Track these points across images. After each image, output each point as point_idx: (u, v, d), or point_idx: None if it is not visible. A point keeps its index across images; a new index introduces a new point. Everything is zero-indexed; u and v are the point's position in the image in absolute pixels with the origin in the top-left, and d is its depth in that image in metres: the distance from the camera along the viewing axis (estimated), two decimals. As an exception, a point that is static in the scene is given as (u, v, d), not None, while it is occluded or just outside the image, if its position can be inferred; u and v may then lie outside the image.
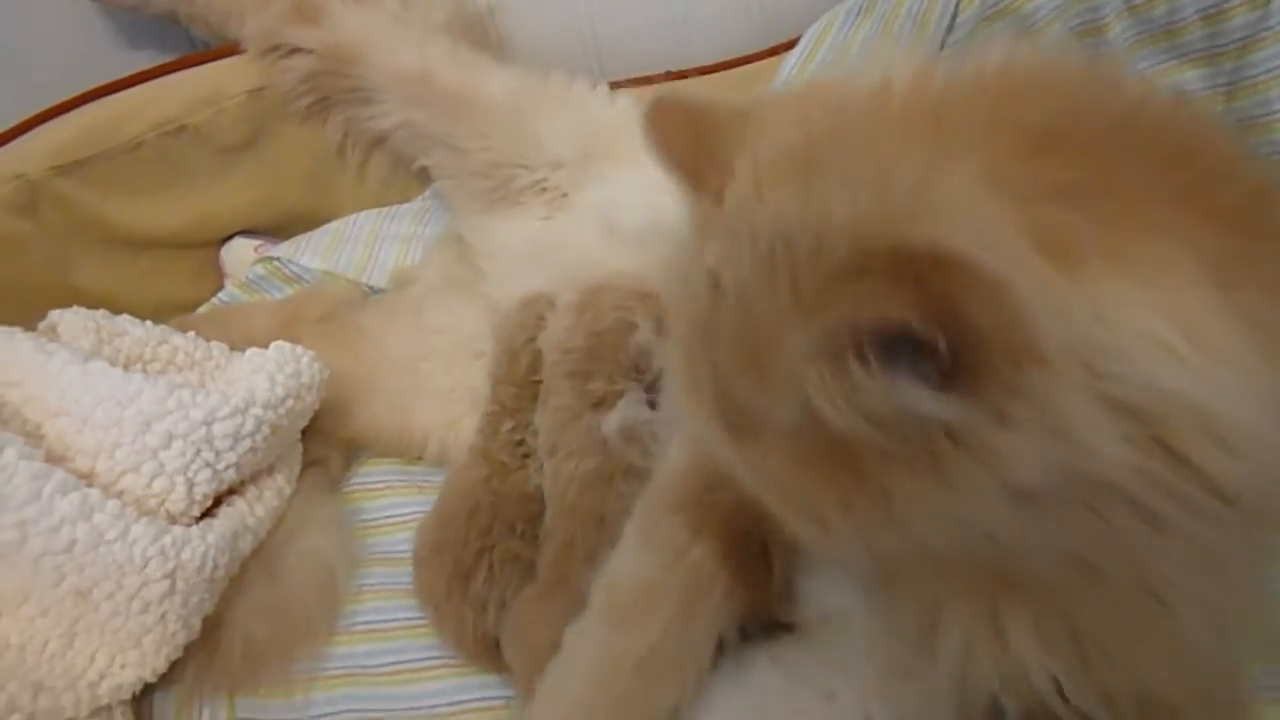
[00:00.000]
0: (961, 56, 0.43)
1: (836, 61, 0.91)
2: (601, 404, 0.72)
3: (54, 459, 0.62)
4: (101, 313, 0.74)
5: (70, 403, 0.63)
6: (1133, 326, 0.32)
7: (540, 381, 0.77)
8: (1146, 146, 0.37)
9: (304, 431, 0.78)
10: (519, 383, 0.78)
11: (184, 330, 0.78)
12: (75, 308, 0.74)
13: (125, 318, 0.75)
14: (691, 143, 0.45)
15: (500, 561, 0.69)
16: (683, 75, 0.98)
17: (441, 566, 0.70)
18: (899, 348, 0.31)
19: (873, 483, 0.36)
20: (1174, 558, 0.37)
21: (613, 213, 0.80)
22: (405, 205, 1.03)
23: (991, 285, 0.30)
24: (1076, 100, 0.39)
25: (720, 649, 0.55)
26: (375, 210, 1.02)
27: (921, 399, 0.32)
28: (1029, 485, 0.33)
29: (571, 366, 0.74)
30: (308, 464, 0.79)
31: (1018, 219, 0.33)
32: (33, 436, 0.63)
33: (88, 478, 0.63)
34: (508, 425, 0.76)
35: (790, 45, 0.95)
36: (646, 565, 0.55)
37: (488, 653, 0.69)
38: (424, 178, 1.01)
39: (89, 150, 0.86)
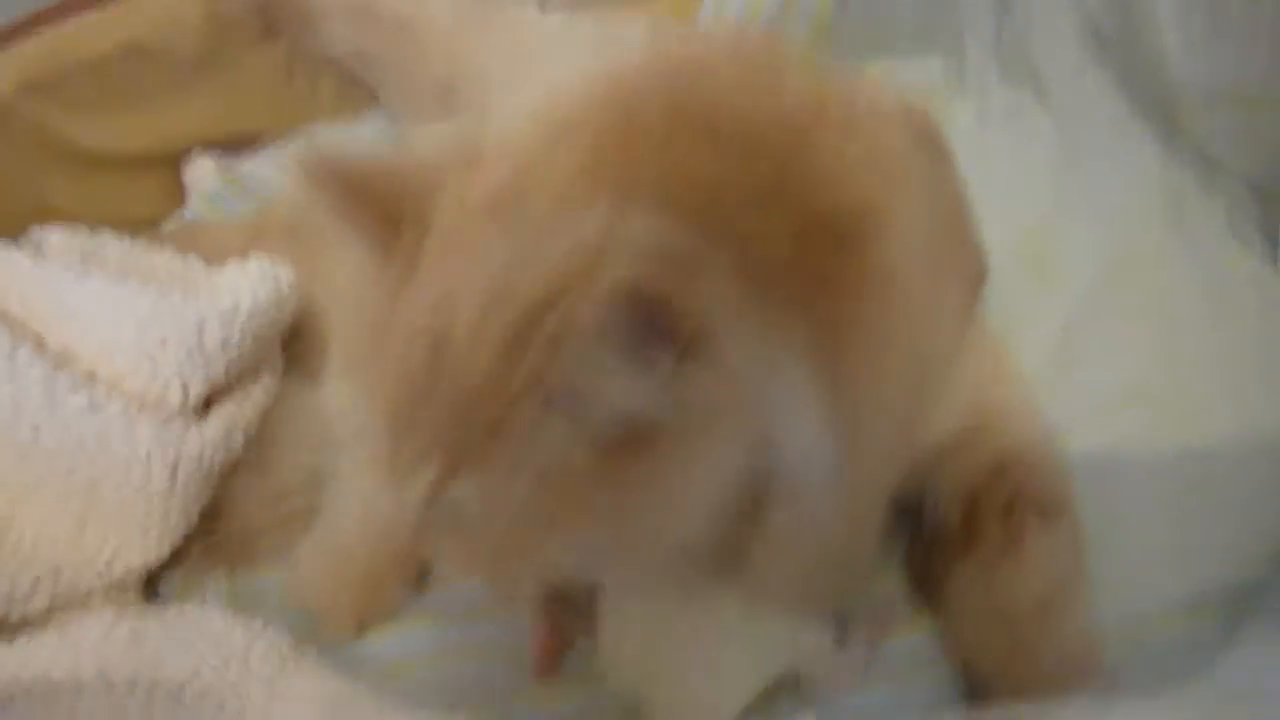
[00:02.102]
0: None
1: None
2: None
3: (58, 364, 0.68)
4: (83, 230, 0.79)
5: (70, 310, 0.68)
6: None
7: None
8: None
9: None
10: None
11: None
12: (57, 226, 0.79)
13: (106, 235, 0.80)
14: (368, 199, 0.44)
15: None
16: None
17: None
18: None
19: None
20: None
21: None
22: (365, 123, 1.06)
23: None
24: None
25: None
26: (335, 125, 1.05)
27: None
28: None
29: None
30: (290, 361, 0.85)
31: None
32: (35, 345, 0.69)
33: (90, 379, 0.69)
34: None
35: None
36: None
37: None
38: (375, 96, 1.05)
39: (51, 71, 0.89)
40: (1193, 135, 0.92)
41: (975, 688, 0.66)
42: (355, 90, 1.05)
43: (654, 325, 0.37)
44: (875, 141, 0.49)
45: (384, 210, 0.43)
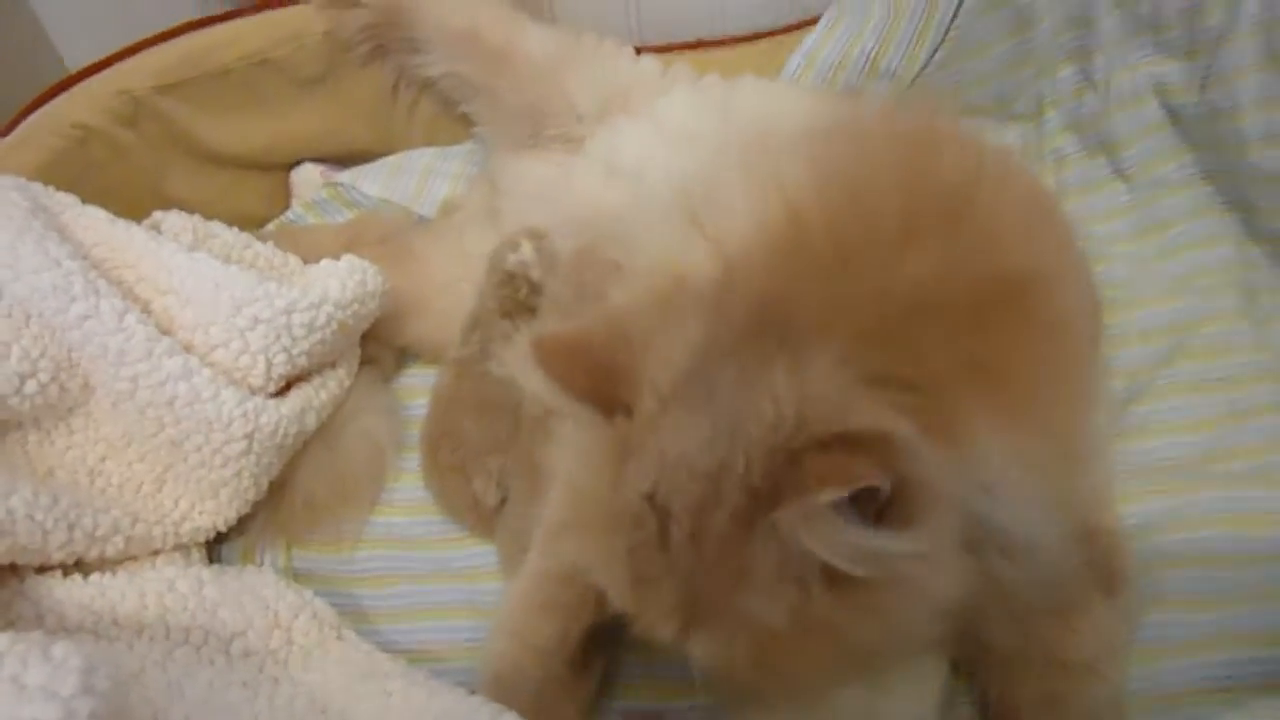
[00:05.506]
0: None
1: (853, 41, 1.00)
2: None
3: (160, 330, 0.73)
4: (197, 216, 0.86)
5: (176, 283, 0.74)
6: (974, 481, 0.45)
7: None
8: (938, 319, 0.47)
9: (364, 337, 0.89)
10: (493, 297, 0.88)
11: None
12: (175, 210, 0.86)
13: (216, 223, 0.86)
14: (586, 373, 0.49)
15: (455, 444, 0.83)
16: (714, 44, 1.07)
17: (427, 450, 0.84)
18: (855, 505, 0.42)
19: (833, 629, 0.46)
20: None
21: (613, 157, 0.89)
22: (457, 146, 1.13)
23: (912, 449, 0.41)
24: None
25: None
26: (431, 148, 1.12)
27: (885, 539, 0.43)
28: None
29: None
30: (364, 361, 0.90)
31: (879, 400, 0.43)
32: (142, 311, 0.74)
33: (186, 348, 0.74)
34: (476, 334, 0.86)
35: (812, 23, 1.03)
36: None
37: (479, 523, 0.82)
38: (469, 121, 1.11)
39: (185, 74, 0.97)
40: (1270, 221, 0.92)
41: None
42: (449, 118, 1.12)
43: (864, 503, 0.42)
44: (1032, 201, 0.54)
45: (601, 382, 0.49)
